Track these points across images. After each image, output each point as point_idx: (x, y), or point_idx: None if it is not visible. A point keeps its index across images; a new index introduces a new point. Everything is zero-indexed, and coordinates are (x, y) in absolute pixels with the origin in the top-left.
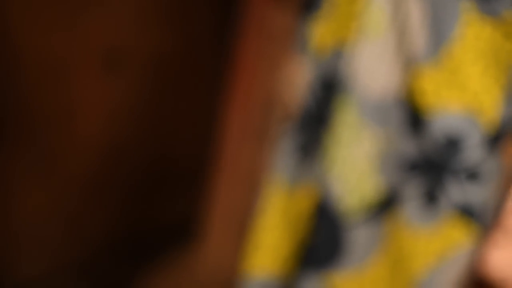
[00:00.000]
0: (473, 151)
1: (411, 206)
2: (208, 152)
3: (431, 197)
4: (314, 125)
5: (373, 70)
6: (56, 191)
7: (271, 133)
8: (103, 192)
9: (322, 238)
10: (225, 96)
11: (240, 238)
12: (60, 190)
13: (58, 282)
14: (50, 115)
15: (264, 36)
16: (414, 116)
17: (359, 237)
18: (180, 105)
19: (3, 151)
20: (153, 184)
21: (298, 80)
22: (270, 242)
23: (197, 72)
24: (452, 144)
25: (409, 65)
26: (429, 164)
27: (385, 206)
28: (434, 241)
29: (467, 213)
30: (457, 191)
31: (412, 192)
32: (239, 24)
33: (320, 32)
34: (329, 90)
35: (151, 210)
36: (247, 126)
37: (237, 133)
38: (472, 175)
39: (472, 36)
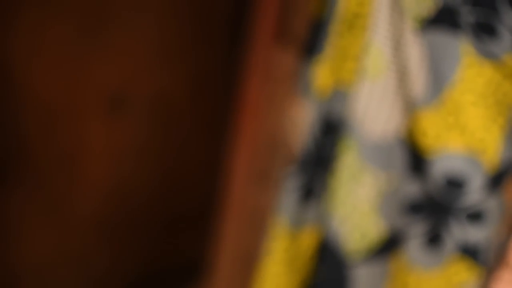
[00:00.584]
0: (475, 191)
1: (415, 247)
2: (215, 193)
3: (434, 239)
4: (314, 167)
5: (373, 111)
6: (64, 233)
7: (276, 174)
8: (112, 233)
9: (326, 277)
10: (231, 137)
11: (245, 275)
12: (68, 233)
13: None
14: (57, 157)
15: (269, 78)
16: (415, 157)
17: (362, 276)
18: (187, 146)
19: (11, 194)
20: (162, 225)
21: (301, 122)
22: (273, 282)
23: (204, 113)
24: (454, 184)
25: (410, 107)
26: (432, 205)
27: (388, 247)
28: (438, 282)
29: (470, 254)
30: (460, 232)
31: (416, 234)
32: (245, 68)
33: (322, 74)
34: (328, 131)
35: (161, 251)
36: (252, 167)
37: (242, 174)
38: (475, 216)
39: (472, 78)
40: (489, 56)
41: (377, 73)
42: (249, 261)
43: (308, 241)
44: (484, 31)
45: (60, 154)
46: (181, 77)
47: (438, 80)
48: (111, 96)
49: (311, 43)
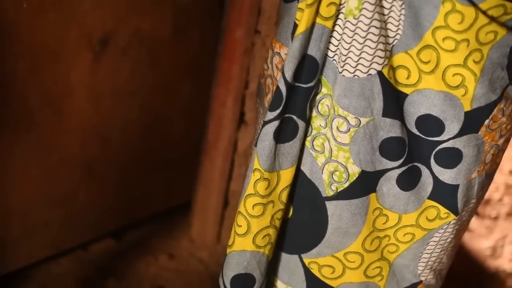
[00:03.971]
0: (452, 126)
1: (390, 186)
2: (200, 135)
3: (410, 178)
4: (288, 109)
5: (351, 49)
6: (49, 172)
7: (257, 115)
8: (97, 173)
9: (303, 209)
10: (216, 80)
11: (229, 214)
12: (53, 172)
13: (60, 266)
14: (43, 98)
15: (256, 23)
16: (395, 92)
17: (337, 209)
18: (170, 88)
19: (2, 134)
20: (151, 164)
21: (280, 65)
22: (249, 222)
23: (189, 55)
24: (432, 119)
25: (390, 48)
26: (408, 142)
27: (361, 184)
28: (412, 227)
29: (445, 199)
30: (436, 171)
31: (392, 172)
32: (231, 11)
33: (302, 18)
34: (304, 73)
35: (150, 189)
36: (236, 111)
37: (227, 117)
38: (451, 153)
39: (452, 23)
40: (469, 0)
41: (353, 14)
42: (232, 201)
43: (283, 182)
44: None
45: (46, 95)
46: (166, 19)
47: (419, 26)
48: (96, 38)
49: None
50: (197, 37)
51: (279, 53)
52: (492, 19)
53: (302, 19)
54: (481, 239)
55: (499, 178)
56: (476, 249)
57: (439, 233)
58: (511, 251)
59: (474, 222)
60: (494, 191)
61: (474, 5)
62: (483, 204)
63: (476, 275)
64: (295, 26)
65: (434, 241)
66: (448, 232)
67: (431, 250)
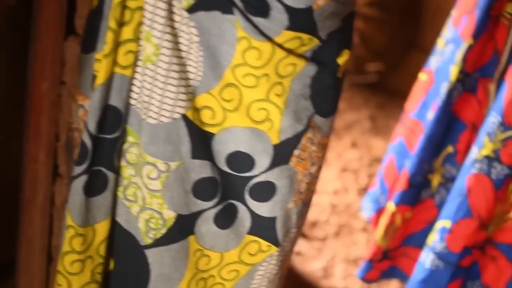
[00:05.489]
0: (262, 160)
1: (208, 227)
2: (16, 193)
3: (226, 216)
4: (96, 163)
5: (151, 95)
6: None
7: (68, 169)
8: None
9: (123, 260)
10: (27, 136)
11: (43, 265)
12: None
13: None
14: None
15: (60, 70)
16: (202, 135)
17: (157, 256)
18: None
19: None
20: None
21: (85, 117)
22: (69, 278)
23: None
24: (241, 156)
25: (192, 90)
26: (220, 182)
27: (177, 229)
28: (236, 265)
29: (264, 232)
30: (252, 205)
31: (208, 212)
32: (35, 66)
33: (100, 69)
34: (107, 123)
35: None
36: (50, 166)
37: (42, 172)
38: (265, 187)
39: (250, 59)
40: (265, 36)
41: (151, 60)
42: (57, 256)
43: (100, 235)
44: (257, 14)
45: None
46: None
47: (218, 65)
48: None
49: (88, 40)
50: (2, 93)
51: (83, 105)
52: (290, 51)
53: (100, 69)
54: (311, 261)
55: (324, 199)
56: (308, 272)
57: (263, 266)
58: (342, 270)
59: (303, 245)
60: (320, 212)
61: (270, 39)
62: (311, 226)
63: None
64: (95, 77)
65: (260, 275)
66: (273, 264)
67: (258, 284)
